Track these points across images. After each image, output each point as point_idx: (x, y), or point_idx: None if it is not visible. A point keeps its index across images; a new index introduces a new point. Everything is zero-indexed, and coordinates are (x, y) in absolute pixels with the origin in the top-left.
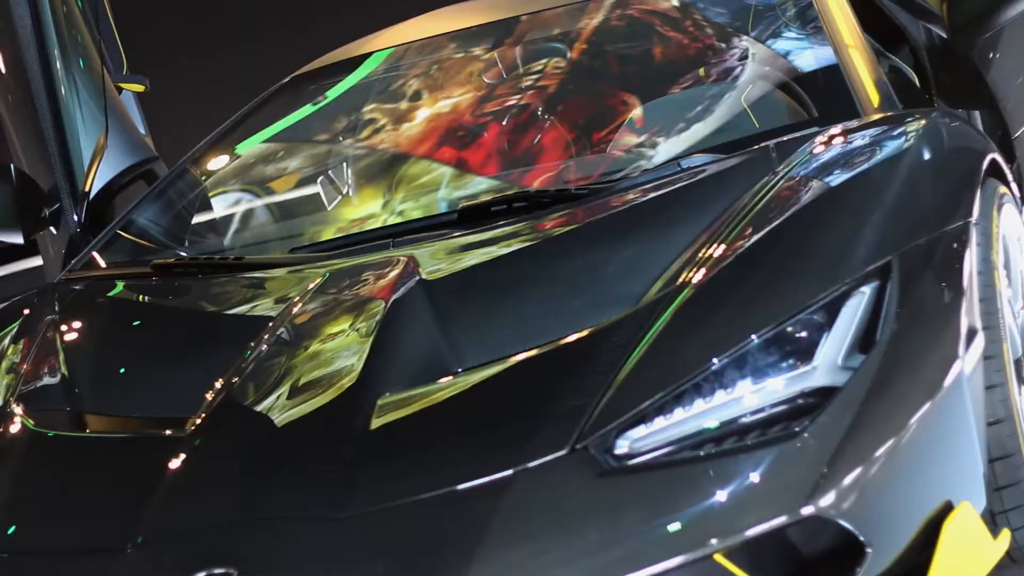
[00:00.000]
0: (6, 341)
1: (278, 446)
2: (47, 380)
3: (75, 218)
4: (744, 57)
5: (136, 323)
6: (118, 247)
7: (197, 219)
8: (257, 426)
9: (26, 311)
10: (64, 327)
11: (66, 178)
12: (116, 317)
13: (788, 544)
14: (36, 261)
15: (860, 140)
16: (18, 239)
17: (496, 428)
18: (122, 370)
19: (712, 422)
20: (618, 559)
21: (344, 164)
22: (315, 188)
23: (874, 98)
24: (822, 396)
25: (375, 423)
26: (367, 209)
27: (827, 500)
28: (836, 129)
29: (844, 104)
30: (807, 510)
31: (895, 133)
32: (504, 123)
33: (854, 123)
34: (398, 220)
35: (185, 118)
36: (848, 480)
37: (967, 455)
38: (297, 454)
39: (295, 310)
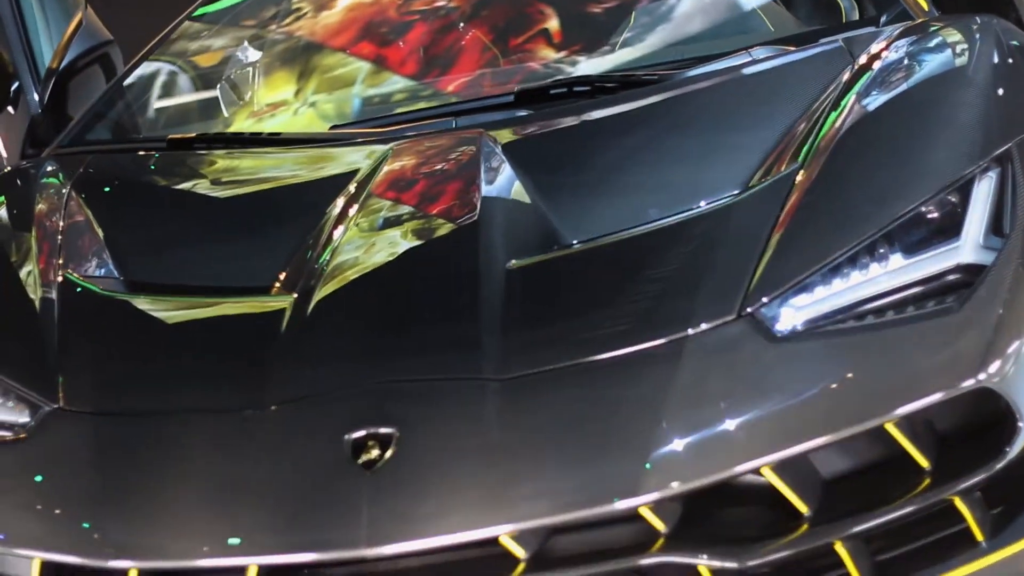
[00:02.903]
0: (1, 211)
1: (407, 312)
2: (92, 252)
3: (36, 98)
4: None
5: (178, 196)
6: (104, 125)
7: (185, 99)
8: (374, 292)
9: (16, 187)
10: (90, 200)
11: (26, 57)
12: (150, 191)
13: (941, 417)
14: None
15: (930, 40)
16: None
17: (651, 294)
18: (179, 242)
19: (871, 294)
20: (800, 425)
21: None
22: (325, 65)
23: (923, 2)
24: (971, 273)
25: (514, 288)
26: (391, 87)
27: (992, 372)
28: (900, 28)
29: (896, 7)
30: (976, 381)
31: (960, 35)
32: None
33: (914, 24)
34: (448, 100)
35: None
36: (1009, 353)
37: None
38: (431, 319)
39: (372, 182)
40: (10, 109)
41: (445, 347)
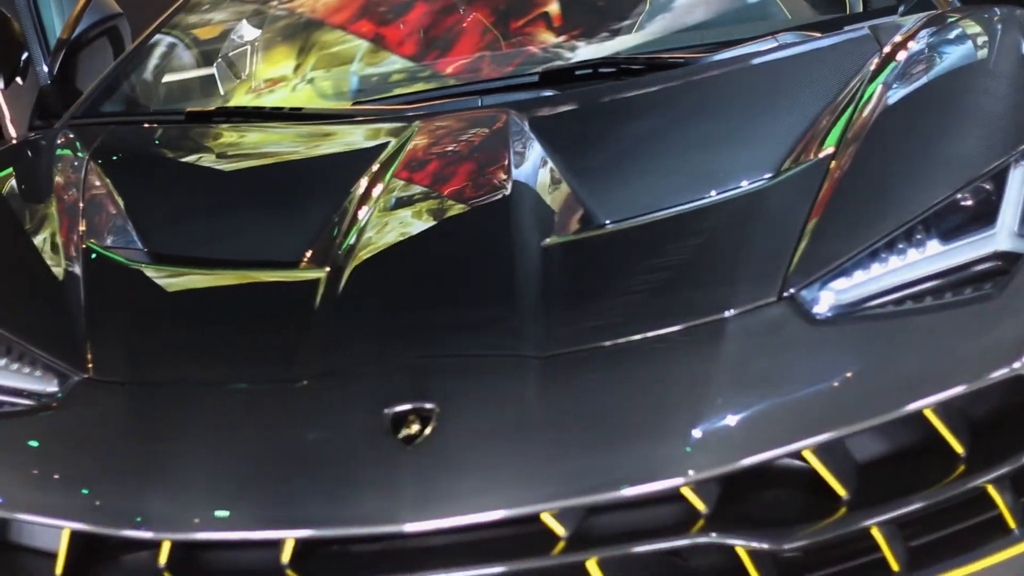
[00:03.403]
0: (10, 183)
1: (442, 288)
2: (115, 223)
3: (44, 69)
4: None
5: (198, 169)
6: (118, 97)
7: (198, 72)
8: (408, 269)
9: (28, 158)
10: (109, 172)
11: (35, 27)
12: (170, 164)
13: (973, 403)
14: None
15: (955, 31)
16: None
17: (690, 275)
18: (200, 215)
19: (908, 279)
20: (840, 409)
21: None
22: (345, 40)
23: None
24: (1008, 260)
25: (551, 266)
26: (411, 64)
27: None
28: (925, 18)
29: None
30: (1011, 369)
31: (983, 26)
32: None
33: (938, 13)
34: (467, 79)
35: None
36: None
37: None
38: (467, 296)
39: (399, 158)
40: (18, 80)
41: (483, 323)
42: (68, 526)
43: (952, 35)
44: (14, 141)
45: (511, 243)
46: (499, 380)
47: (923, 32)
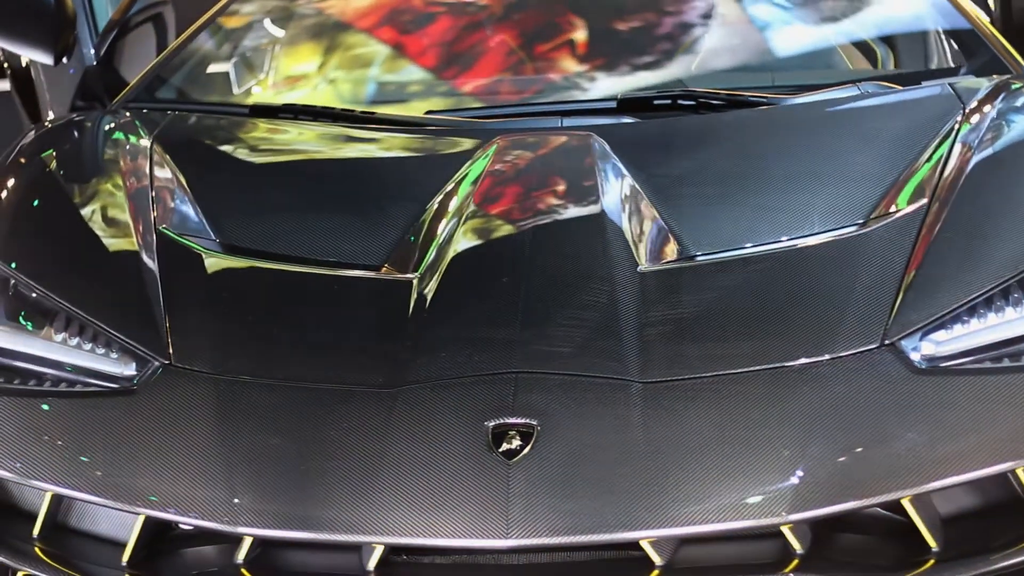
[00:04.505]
0: (59, 162)
1: (538, 305)
2: (185, 211)
3: (91, 51)
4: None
5: (265, 163)
6: (171, 84)
7: (253, 64)
8: (501, 283)
9: (75, 138)
10: (174, 159)
11: (85, 8)
12: (235, 155)
13: None
14: None
15: None
16: (49, 61)
17: (789, 314)
18: (269, 209)
19: (1006, 336)
20: (938, 461)
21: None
22: (411, 43)
23: (1020, 57)
24: None
25: (648, 292)
26: (488, 78)
27: None
28: (1002, 79)
29: (993, 59)
30: None
31: None
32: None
33: (1010, 77)
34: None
35: None
36: None
37: None
38: (564, 314)
39: (481, 170)
40: (64, 59)
41: (582, 343)
42: (145, 513)
43: None
44: (48, 124)
45: (606, 266)
46: (600, 402)
47: (1003, 93)
